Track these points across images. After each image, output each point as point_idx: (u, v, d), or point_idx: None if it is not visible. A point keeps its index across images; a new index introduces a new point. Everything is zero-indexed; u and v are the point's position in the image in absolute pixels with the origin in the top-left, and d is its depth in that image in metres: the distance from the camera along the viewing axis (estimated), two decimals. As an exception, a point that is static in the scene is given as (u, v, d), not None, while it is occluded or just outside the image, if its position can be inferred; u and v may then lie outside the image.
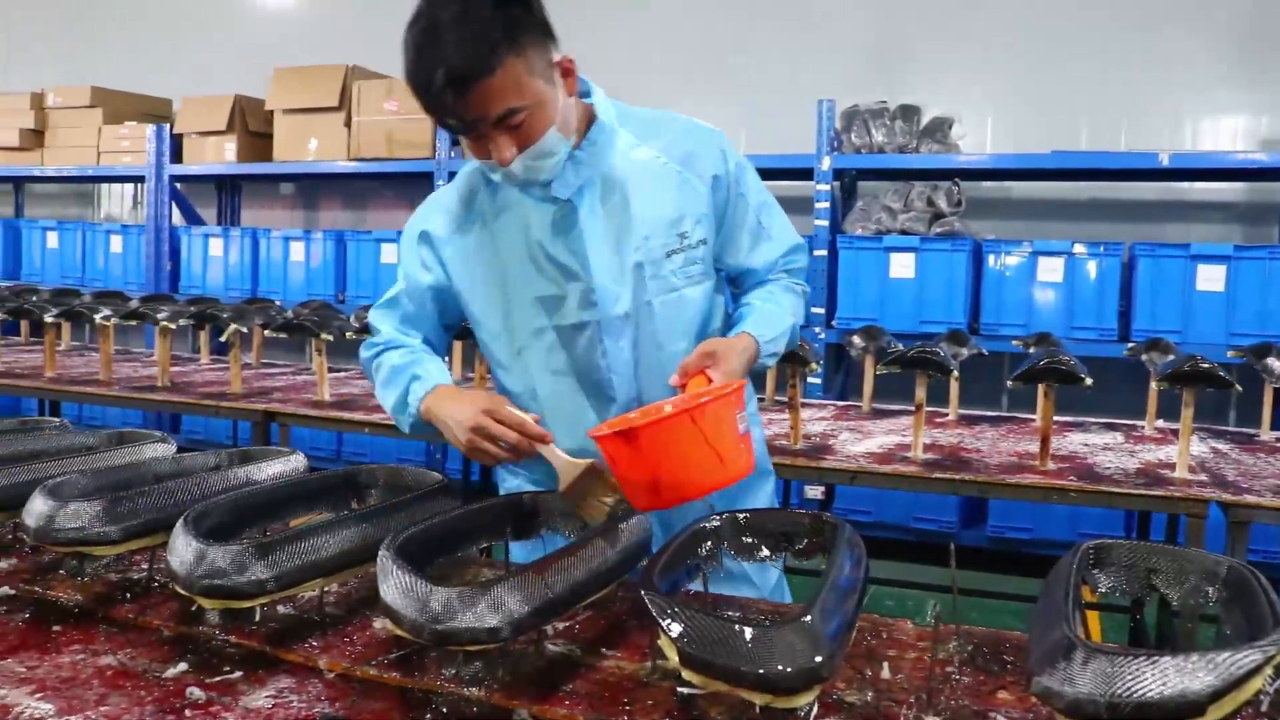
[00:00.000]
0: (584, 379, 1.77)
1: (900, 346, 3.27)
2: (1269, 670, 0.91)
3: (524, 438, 1.56)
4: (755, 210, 1.83)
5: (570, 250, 1.71)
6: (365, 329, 3.62)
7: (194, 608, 1.33)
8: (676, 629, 1.04)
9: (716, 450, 1.36)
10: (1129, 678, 0.88)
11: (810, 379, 4.45)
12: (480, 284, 1.78)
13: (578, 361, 1.76)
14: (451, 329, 1.91)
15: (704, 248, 1.77)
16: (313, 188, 7.30)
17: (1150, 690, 0.87)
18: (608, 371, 1.75)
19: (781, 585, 1.97)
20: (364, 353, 1.86)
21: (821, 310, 5.07)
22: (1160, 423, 3.44)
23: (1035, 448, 2.82)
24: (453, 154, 5.83)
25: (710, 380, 1.61)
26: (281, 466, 1.71)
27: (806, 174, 5.13)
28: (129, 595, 1.44)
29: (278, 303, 4.81)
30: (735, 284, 1.92)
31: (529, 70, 1.51)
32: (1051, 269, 4.76)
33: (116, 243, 6.89)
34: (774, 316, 1.81)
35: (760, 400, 3.68)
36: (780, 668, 0.98)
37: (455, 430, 1.61)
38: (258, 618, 1.34)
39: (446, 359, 1.98)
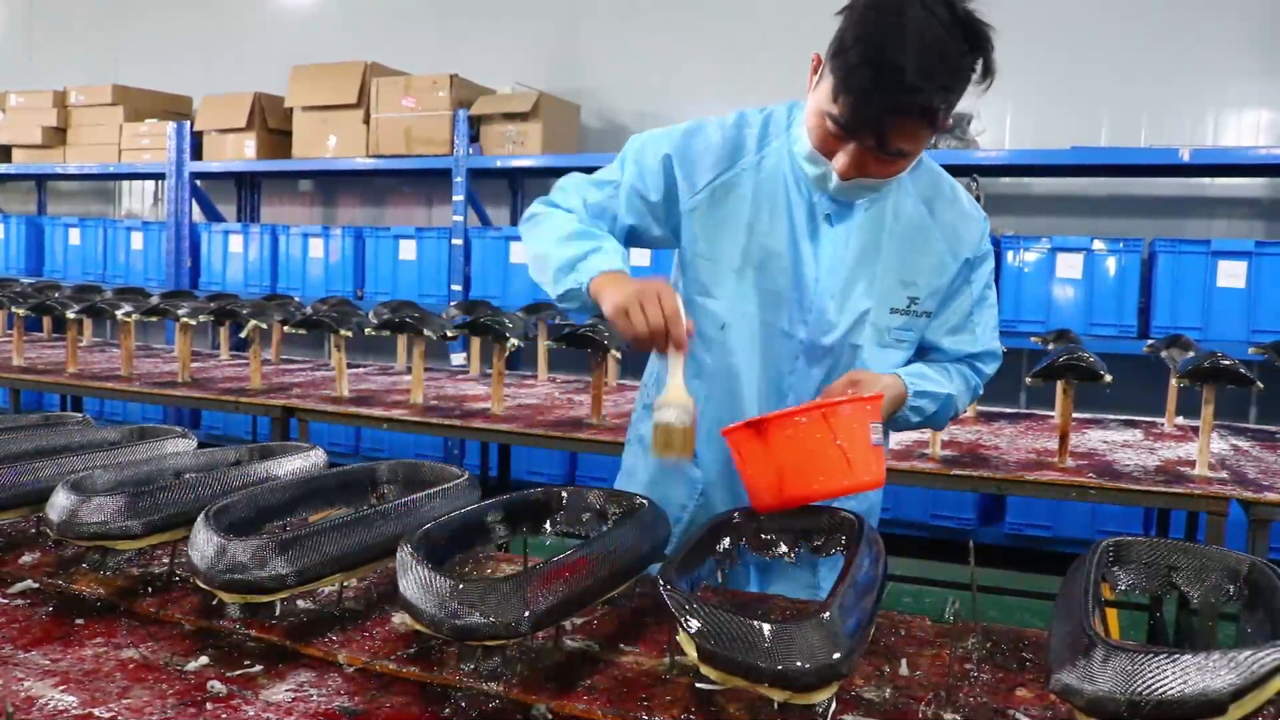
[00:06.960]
0: (766, 383, 1.74)
1: (918, 343, 3.26)
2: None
3: (665, 326, 1.47)
4: (973, 303, 1.78)
5: (814, 258, 1.67)
6: (384, 325, 3.64)
7: (215, 602, 1.34)
8: (695, 625, 1.04)
9: (845, 453, 1.33)
10: (1149, 676, 0.87)
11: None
12: (715, 240, 1.70)
13: (768, 365, 1.73)
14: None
15: (925, 319, 1.75)
16: (331, 184, 7.33)
17: (1171, 688, 0.86)
18: (789, 389, 1.73)
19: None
20: (536, 207, 1.72)
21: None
22: (1180, 420, 3.43)
23: (1054, 445, 2.81)
24: (470, 150, 5.85)
25: None
26: (301, 462, 1.72)
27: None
28: (151, 589, 1.45)
29: (297, 299, 4.83)
30: (919, 351, 1.84)
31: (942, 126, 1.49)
32: (1070, 265, 4.73)
33: (137, 239, 6.93)
34: (935, 381, 1.76)
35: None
36: (799, 664, 0.98)
37: (616, 294, 1.52)
38: (278, 612, 1.35)
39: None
